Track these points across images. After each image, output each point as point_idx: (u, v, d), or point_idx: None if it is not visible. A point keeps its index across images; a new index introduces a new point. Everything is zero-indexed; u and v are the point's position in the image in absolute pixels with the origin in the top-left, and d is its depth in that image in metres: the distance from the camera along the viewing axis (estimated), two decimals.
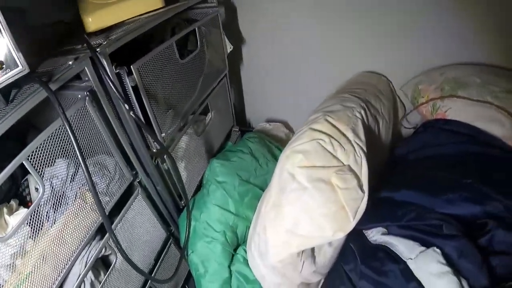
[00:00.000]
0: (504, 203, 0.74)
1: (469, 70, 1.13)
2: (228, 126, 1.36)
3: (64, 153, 0.65)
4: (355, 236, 0.87)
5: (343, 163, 0.75)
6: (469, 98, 1.01)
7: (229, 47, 1.16)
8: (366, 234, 0.87)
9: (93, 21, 0.80)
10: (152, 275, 0.97)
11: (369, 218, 0.87)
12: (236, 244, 0.99)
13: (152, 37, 1.04)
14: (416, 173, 0.88)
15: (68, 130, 0.59)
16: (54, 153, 0.62)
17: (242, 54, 1.47)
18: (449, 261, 0.69)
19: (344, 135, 0.78)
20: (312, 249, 0.82)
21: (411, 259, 0.73)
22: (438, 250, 0.70)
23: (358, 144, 0.78)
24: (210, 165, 1.03)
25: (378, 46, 1.27)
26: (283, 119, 1.64)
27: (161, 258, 0.99)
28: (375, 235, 0.83)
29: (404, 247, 0.75)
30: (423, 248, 0.73)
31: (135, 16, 0.87)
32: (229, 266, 0.94)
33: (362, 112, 0.86)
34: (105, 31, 0.82)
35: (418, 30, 1.22)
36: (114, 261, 0.85)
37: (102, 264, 0.89)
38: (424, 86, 1.13)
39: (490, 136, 0.93)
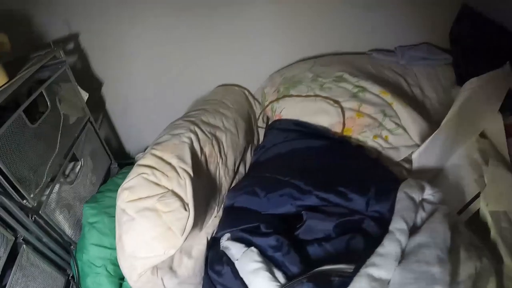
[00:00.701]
0: (315, 193, 1.04)
1: (306, 66, 1.44)
2: (106, 165, 1.69)
3: None
4: (213, 245, 1.21)
5: (167, 188, 1.08)
6: (299, 95, 1.31)
7: (85, 95, 1.49)
8: (220, 241, 1.20)
9: None
10: None
11: (221, 226, 1.20)
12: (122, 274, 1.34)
13: (16, 102, 1.40)
14: (255, 177, 1.19)
15: None
16: None
17: (105, 93, 1.82)
18: (267, 257, 0.97)
19: (168, 163, 1.10)
20: (170, 265, 1.16)
21: (237, 260, 1.03)
22: (254, 249, 0.99)
23: (182, 168, 1.09)
24: (82, 210, 1.35)
25: (230, 58, 1.61)
26: None
27: None
28: (224, 241, 1.16)
29: (234, 250, 1.04)
30: (245, 248, 1.03)
31: None
32: None
33: (192, 135, 1.17)
34: None
35: (262, 36, 1.56)
36: None
37: None
38: (267, 90, 1.45)
39: (318, 128, 1.23)
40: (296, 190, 1.05)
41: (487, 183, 1.15)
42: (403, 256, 0.85)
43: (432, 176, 1.23)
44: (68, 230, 1.35)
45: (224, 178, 1.26)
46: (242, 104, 1.55)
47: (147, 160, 1.11)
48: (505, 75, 1.26)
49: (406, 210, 0.93)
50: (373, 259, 0.83)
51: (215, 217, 1.24)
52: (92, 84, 1.65)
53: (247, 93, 1.69)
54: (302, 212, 1.02)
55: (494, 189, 1.13)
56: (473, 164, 1.23)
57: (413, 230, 0.91)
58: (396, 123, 1.26)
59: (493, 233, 1.06)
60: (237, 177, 1.35)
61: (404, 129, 1.26)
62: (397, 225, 0.89)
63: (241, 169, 1.39)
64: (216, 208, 1.24)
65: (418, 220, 0.94)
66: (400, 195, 0.96)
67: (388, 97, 1.30)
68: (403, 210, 0.92)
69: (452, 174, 1.23)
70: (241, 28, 1.60)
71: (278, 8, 1.57)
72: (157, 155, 1.11)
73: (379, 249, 0.84)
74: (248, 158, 1.46)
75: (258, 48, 1.64)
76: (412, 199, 0.95)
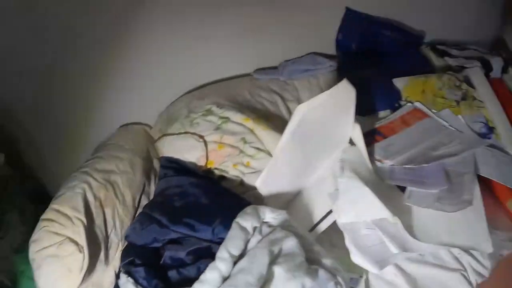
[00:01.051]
0: (172, 228, 1.34)
1: (184, 102, 1.71)
2: (34, 213, 1.97)
3: None
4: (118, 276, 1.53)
5: (65, 236, 1.40)
6: (173, 134, 1.59)
7: (1, 157, 1.77)
8: None
9: None
10: None
11: (120, 259, 1.52)
12: None
13: None
14: (141, 213, 1.51)
15: None
16: None
17: (22, 147, 2.07)
18: (139, 285, 1.26)
19: (64, 214, 1.39)
20: None
21: None
22: (130, 279, 1.27)
23: (76, 217, 1.39)
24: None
25: (131, 96, 1.88)
26: None
27: None
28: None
29: (122, 280, 1.30)
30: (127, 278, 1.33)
31: None
32: None
33: (85, 185, 1.48)
34: None
35: (158, 69, 1.83)
36: None
37: None
38: (157, 127, 1.72)
39: (187, 164, 1.50)
40: (159, 226, 1.36)
41: (339, 195, 1.37)
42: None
43: (292, 197, 1.50)
44: (6, 280, 1.67)
45: (123, 215, 1.58)
46: (140, 142, 1.85)
47: (48, 214, 1.42)
48: (344, 89, 1.44)
49: (232, 239, 1.17)
50: (194, 285, 1.10)
51: (120, 251, 1.56)
52: (7, 141, 1.92)
53: (147, 129, 1.98)
54: (164, 244, 1.34)
55: (344, 201, 1.35)
56: (333, 176, 1.46)
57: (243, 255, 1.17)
58: (257, 148, 1.52)
59: (347, 242, 1.30)
60: (139, 210, 1.66)
61: (268, 152, 1.52)
62: (219, 254, 1.14)
63: (144, 202, 1.69)
64: (119, 243, 1.55)
65: (253, 245, 1.21)
66: (233, 225, 1.23)
67: (249, 124, 1.55)
68: (229, 240, 1.18)
69: (311, 191, 1.47)
70: (138, 64, 1.87)
71: (169, 40, 1.84)
72: (55, 209, 1.43)
73: (201, 276, 1.11)
74: (152, 189, 1.76)
75: (156, 82, 1.91)
76: (242, 228, 1.21)
